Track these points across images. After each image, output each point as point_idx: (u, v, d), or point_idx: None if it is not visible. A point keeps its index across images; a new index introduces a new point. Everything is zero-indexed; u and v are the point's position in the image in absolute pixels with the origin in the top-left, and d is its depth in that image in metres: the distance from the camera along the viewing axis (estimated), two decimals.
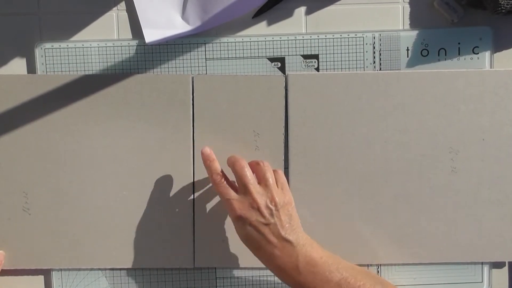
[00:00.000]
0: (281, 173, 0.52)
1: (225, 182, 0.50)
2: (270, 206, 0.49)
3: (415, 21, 0.57)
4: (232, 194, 0.50)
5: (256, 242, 0.49)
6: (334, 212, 0.56)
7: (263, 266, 0.57)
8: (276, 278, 0.58)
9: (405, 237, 0.57)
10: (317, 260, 0.48)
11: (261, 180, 0.50)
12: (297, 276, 0.48)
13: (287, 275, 0.48)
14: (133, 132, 0.56)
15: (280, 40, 0.56)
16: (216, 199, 0.56)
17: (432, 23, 0.57)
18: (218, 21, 0.56)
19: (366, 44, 0.56)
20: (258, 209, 0.48)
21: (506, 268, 0.59)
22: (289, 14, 0.57)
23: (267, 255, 0.49)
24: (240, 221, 0.49)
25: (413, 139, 0.56)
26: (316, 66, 0.56)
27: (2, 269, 0.56)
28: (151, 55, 0.56)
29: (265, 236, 0.48)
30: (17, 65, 0.56)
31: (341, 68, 0.57)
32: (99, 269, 0.57)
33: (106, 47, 0.56)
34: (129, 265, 0.57)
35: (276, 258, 0.48)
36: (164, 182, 0.56)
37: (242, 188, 0.50)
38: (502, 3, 0.52)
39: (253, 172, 0.51)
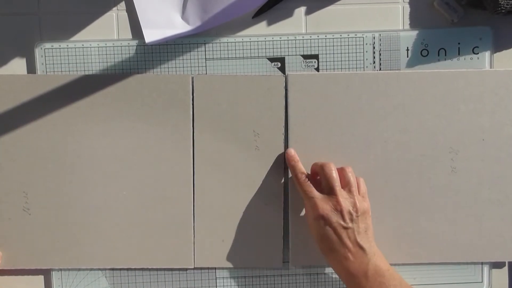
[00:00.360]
0: (362, 181, 0.54)
1: (309, 181, 0.52)
2: (352, 211, 0.50)
3: (415, 21, 0.57)
4: (316, 193, 0.51)
5: (332, 244, 0.50)
6: None
7: (262, 266, 0.57)
8: (275, 279, 0.58)
9: (405, 237, 0.57)
10: (385, 272, 0.50)
11: (345, 185, 0.52)
12: (364, 283, 0.49)
13: (354, 280, 0.50)
14: (133, 132, 0.56)
15: (280, 40, 0.56)
16: (216, 199, 0.56)
17: (432, 23, 0.57)
18: (218, 21, 0.56)
19: (366, 44, 0.56)
20: (341, 212, 0.50)
21: (506, 268, 0.59)
22: (289, 14, 0.57)
23: (339, 257, 0.50)
24: (321, 221, 0.51)
25: (413, 139, 0.56)
26: (316, 66, 0.56)
27: (2, 269, 0.56)
28: (151, 55, 0.56)
29: (342, 239, 0.50)
30: (17, 65, 0.56)
31: (341, 68, 0.57)
32: (99, 269, 0.57)
33: (106, 47, 0.56)
34: (129, 265, 0.57)
35: (348, 261, 0.50)
36: (164, 182, 0.56)
37: (327, 189, 0.51)
38: (502, 3, 0.52)
39: None
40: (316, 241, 0.52)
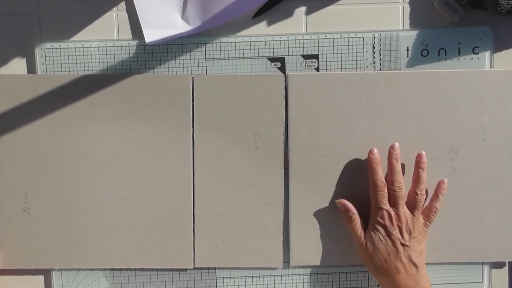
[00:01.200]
0: (437, 209, 0.54)
1: (386, 192, 0.53)
2: (411, 230, 0.53)
3: (415, 21, 0.57)
4: (388, 206, 0.53)
5: (387, 255, 0.52)
6: (334, 212, 0.56)
7: (262, 266, 0.57)
8: (275, 279, 0.58)
9: None
10: None
11: (412, 207, 0.53)
12: None
13: None
14: (133, 132, 0.56)
15: (280, 40, 0.56)
16: (216, 199, 0.56)
17: (432, 23, 0.57)
18: (218, 21, 0.56)
19: (366, 44, 0.56)
20: (400, 229, 0.53)
21: (506, 268, 0.59)
22: (289, 14, 0.57)
23: (391, 270, 0.52)
24: (383, 230, 0.53)
25: (413, 139, 0.56)
26: (316, 66, 0.56)
27: (2, 269, 0.56)
28: (151, 55, 0.56)
29: (398, 252, 0.52)
30: (17, 65, 0.56)
31: (341, 68, 0.57)
32: (99, 269, 0.57)
33: (106, 47, 0.56)
34: (129, 265, 0.57)
35: (400, 275, 0.52)
36: (164, 182, 0.56)
37: (394, 202, 0.53)
38: (502, 3, 0.52)
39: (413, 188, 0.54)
40: (369, 249, 0.53)
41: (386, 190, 0.53)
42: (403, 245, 0.52)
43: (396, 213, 0.53)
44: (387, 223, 0.52)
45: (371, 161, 0.54)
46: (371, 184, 0.54)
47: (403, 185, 0.53)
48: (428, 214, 0.54)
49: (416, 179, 0.54)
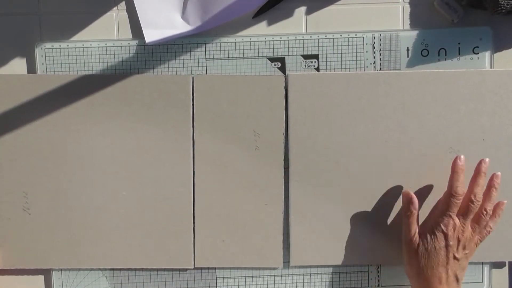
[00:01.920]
0: (491, 227, 0.54)
1: (461, 201, 0.52)
2: (466, 245, 0.52)
3: (415, 21, 0.57)
4: (455, 214, 0.52)
5: (437, 262, 0.51)
6: (334, 212, 0.56)
7: (262, 266, 0.57)
8: (275, 279, 0.58)
9: None
10: None
11: (475, 222, 0.53)
12: None
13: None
14: (133, 132, 0.56)
15: (280, 40, 0.56)
16: (216, 199, 0.56)
17: (432, 23, 0.57)
18: (218, 21, 0.56)
19: (366, 44, 0.56)
20: (458, 242, 0.52)
21: (506, 268, 0.59)
22: (289, 14, 0.57)
23: (434, 278, 0.51)
24: (444, 239, 0.52)
25: (413, 139, 0.56)
26: (316, 66, 0.56)
27: (2, 269, 0.56)
28: (151, 55, 0.56)
29: (448, 263, 0.52)
30: (17, 65, 0.56)
31: (341, 68, 0.57)
32: (99, 269, 0.57)
33: (106, 47, 0.56)
34: (129, 265, 0.57)
35: (441, 286, 0.51)
36: (164, 182, 0.56)
37: (465, 214, 0.52)
38: (502, 3, 0.52)
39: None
40: (419, 253, 0.52)
41: (461, 200, 0.52)
42: (455, 258, 0.52)
43: (462, 226, 0.52)
44: (450, 232, 0.51)
45: (457, 167, 0.53)
46: (449, 189, 0.52)
47: (480, 196, 0.52)
48: (483, 234, 0.53)
49: (488, 198, 0.53)
